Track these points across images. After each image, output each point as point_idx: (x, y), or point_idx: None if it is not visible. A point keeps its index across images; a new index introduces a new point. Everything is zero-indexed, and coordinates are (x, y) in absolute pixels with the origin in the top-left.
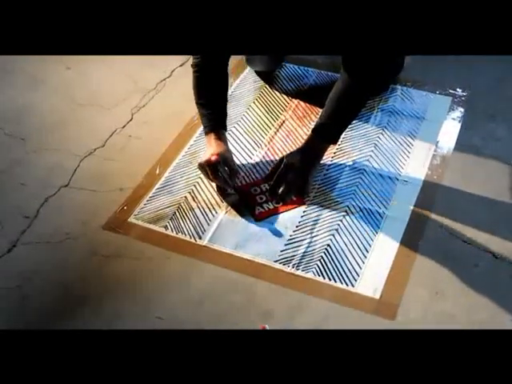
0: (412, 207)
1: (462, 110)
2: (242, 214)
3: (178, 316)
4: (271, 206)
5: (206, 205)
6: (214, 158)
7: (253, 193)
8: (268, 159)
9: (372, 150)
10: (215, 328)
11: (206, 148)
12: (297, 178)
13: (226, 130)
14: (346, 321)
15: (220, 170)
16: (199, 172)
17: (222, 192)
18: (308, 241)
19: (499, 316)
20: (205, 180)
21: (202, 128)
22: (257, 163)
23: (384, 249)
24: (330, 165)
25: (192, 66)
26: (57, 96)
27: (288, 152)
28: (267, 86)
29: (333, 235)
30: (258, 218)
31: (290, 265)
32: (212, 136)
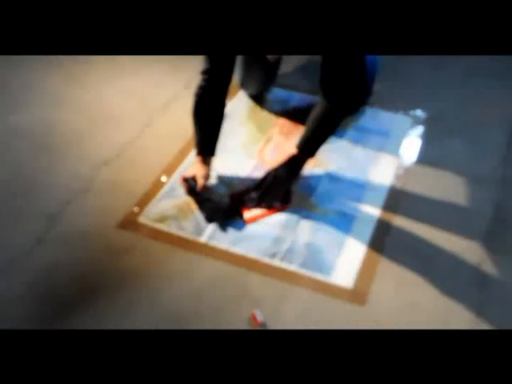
0: (379, 210)
1: (422, 128)
2: (233, 218)
3: (181, 303)
4: (259, 212)
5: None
6: (184, 177)
7: (243, 200)
8: (257, 169)
9: (346, 162)
10: (214, 313)
11: (192, 166)
12: (281, 189)
13: (213, 155)
14: (323, 307)
15: (189, 182)
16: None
17: (199, 205)
18: (291, 238)
19: (456, 304)
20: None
21: None
22: (248, 173)
23: (355, 245)
24: (310, 174)
25: (194, 95)
26: (77, 114)
27: (274, 164)
28: (257, 107)
29: (312, 234)
30: (247, 222)
31: (277, 258)
32: (199, 158)
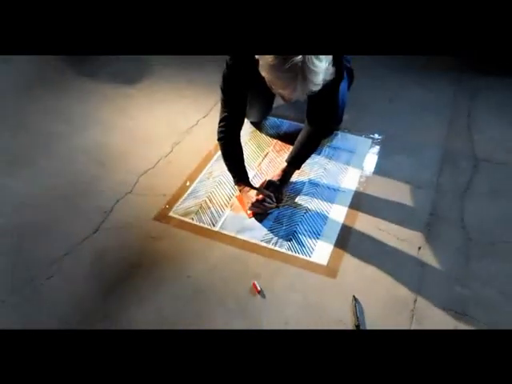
0: (347, 208)
1: (378, 147)
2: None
3: (201, 275)
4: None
5: (218, 205)
6: (260, 197)
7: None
8: (257, 177)
9: (323, 172)
10: (224, 283)
11: (243, 194)
12: (275, 191)
13: (248, 179)
14: (305, 279)
15: (267, 201)
16: (214, 184)
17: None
18: (282, 228)
19: (402, 277)
20: (218, 189)
21: (216, 157)
22: (250, 180)
23: (330, 233)
24: (296, 181)
25: (218, 140)
26: (123, 136)
27: (269, 174)
28: (257, 131)
29: (297, 225)
30: (249, 216)
31: (271, 243)
32: (242, 185)
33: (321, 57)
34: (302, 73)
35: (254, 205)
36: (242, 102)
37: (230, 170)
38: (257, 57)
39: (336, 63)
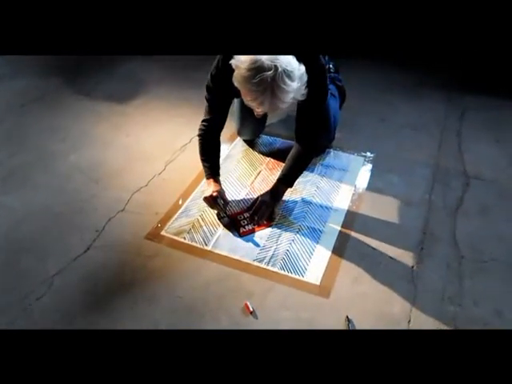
0: (340, 226)
1: (370, 165)
2: (231, 231)
3: (193, 294)
4: (250, 227)
5: (210, 224)
6: (214, 193)
7: (239, 219)
8: (250, 195)
9: (315, 190)
10: (217, 302)
11: (207, 188)
12: (267, 210)
13: (219, 175)
14: (298, 299)
15: (218, 201)
16: (206, 203)
17: (218, 216)
18: (274, 247)
19: (396, 294)
20: (210, 208)
21: None
22: (243, 198)
23: (322, 252)
24: (289, 199)
25: (198, 135)
26: (119, 153)
27: (262, 192)
28: (250, 149)
29: (290, 244)
30: (242, 235)
31: (263, 262)
32: (211, 180)
33: (294, 76)
34: (271, 88)
35: (206, 198)
36: (223, 109)
37: (204, 164)
38: (233, 66)
39: (316, 83)
